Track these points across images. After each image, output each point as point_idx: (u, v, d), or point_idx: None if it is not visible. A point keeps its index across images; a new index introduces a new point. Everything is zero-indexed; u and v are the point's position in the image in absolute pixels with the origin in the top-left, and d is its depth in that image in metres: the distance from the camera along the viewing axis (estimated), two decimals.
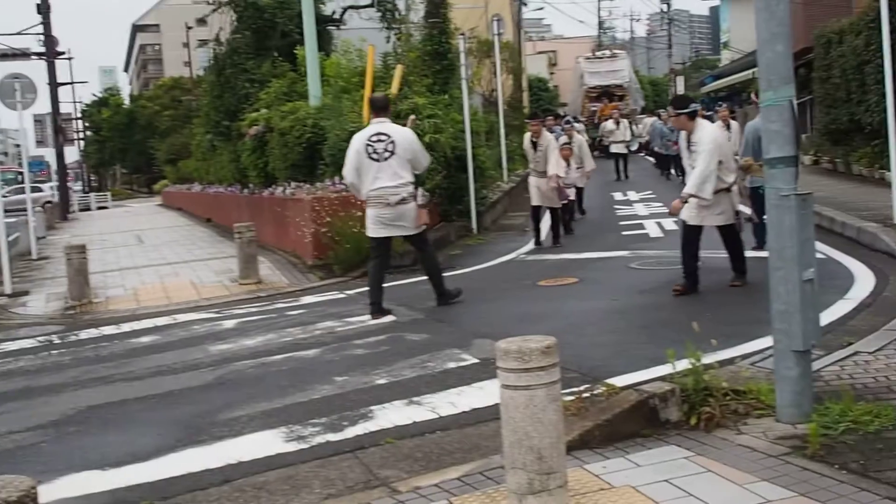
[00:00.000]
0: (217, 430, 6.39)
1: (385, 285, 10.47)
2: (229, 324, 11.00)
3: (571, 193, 17.66)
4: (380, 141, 10.03)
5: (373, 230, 10.32)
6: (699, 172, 9.69)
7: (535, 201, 15.71)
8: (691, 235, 10.19)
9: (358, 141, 10.23)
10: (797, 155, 5.35)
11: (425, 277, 11.02)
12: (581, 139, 20.49)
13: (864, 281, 10.11)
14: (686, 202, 9.98)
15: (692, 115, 10.11)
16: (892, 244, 11.64)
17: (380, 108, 10.48)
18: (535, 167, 15.64)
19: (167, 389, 7.82)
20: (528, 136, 15.94)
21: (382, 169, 10.00)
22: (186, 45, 67.19)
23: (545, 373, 4.20)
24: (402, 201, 10.07)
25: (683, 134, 10.43)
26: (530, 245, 15.63)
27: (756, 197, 12.03)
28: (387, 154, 9.98)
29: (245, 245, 14.39)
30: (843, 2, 31.88)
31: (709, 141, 9.80)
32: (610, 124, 33.92)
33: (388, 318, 10.06)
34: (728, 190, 10.16)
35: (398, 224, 10.21)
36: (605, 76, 48.98)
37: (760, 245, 12.11)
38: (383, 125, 10.21)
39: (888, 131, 13.81)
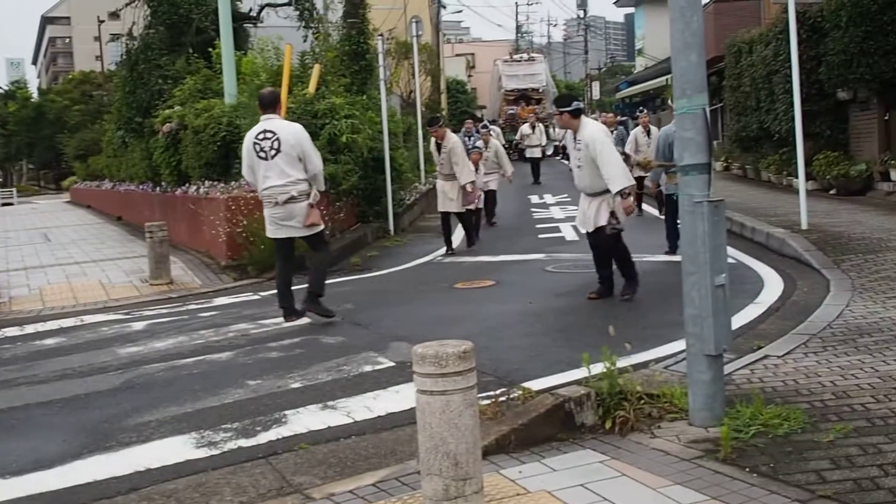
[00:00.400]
0: (125, 436, 6.24)
1: (296, 287, 10.28)
2: (139, 325, 10.77)
3: (480, 201, 17.31)
4: (266, 139, 9.65)
5: (269, 230, 10.04)
6: (618, 165, 9.54)
7: (441, 206, 15.37)
8: (613, 239, 9.92)
9: (248, 139, 9.90)
10: (710, 162, 5.42)
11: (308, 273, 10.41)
12: (497, 144, 20.07)
13: (773, 285, 10.30)
14: (630, 194, 9.77)
15: (575, 113, 9.82)
16: (799, 249, 11.86)
17: (266, 104, 9.95)
18: (441, 170, 15.34)
19: (73, 394, 7.60)
20: (432, 139, 15.65)
21: (270, 167, 9.63)
22: (98, 38, 65.89)
23: (462, 378, 4.18)
24: (291, 199, 9.65)
25: (569, 133, 10.18)
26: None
27: (670, 203, 12.18)
28: (273, 152, 9.60)
29: (156, 244, 14.16)
30: (752, 13, 32.57)
31: (602, 134, 9.66)
32: (526, 128, 34.09)
33: (303, 321, 9.95)
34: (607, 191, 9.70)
35: (288, 224, 9.79)
36: (523, 80, 49.18)
37: (673, 250, 12.28)
38: (270, 122, 9.76)
39: (795, 140, 14.11)
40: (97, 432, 6.38)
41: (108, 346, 9.51)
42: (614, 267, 10.14)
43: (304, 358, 8.26)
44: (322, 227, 10.21)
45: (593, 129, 9.71)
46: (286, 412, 6.51)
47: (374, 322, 9.79)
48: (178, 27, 21.26)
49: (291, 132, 9.75)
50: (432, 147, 15.75)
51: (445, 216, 15.47)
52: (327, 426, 6.11)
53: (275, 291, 10.40)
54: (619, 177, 9.42)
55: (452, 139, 15.28)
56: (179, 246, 17.77)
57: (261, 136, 9.67)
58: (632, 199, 9.84)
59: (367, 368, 7.66)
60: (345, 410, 6.42)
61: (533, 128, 33.61)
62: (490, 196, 19.06)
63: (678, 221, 11.37)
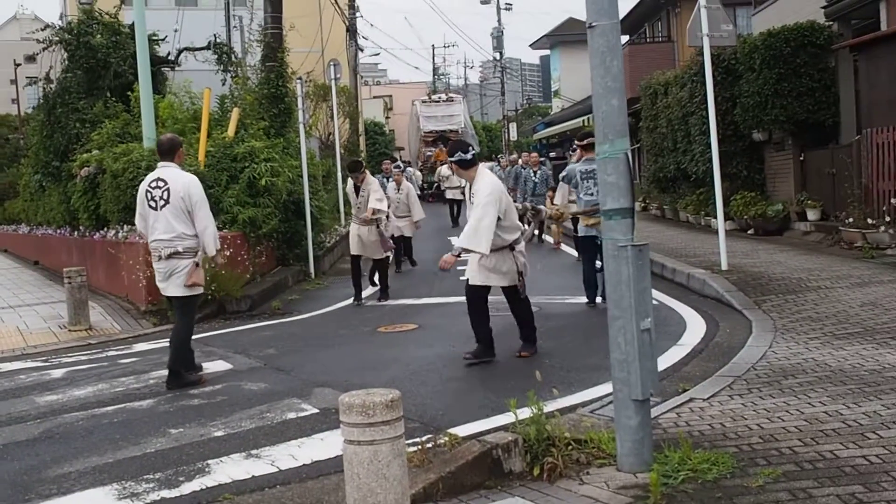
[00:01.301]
0: (44, 488, 6.05)
1: (198, 336, 9.79)
2: (58, 373, 10.50)
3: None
4: (157, 188, 9.03)
5: (159, 286, 9.45)
6: (471, 225, 8.76)
7: (354, 250, 14.73)
8: (476, 296, 9.22)
9: (142, 186, 9.26)
10: (633, 206, 5.45)
11: (168, 345, 9.43)
12: (409, 186, 19.36)
13: (695, 327, 10.38)
14: (458, 256, 8.99)
15: (463, 164, 9.14)
16: (720, 290, 12.00)
17: (164, 151, 9.31)
18: (357, 213, 14.72)
19: None
20: (350, 181, 15.15)
21: (158, 219, 9.01)
22: (14, 82, 64.96)
23: (389, 427, 4.15)
24: (176, 255, 8.99)
25: (466, 183, 9.63)
26: (368, 290, 15.50)
27: (587, 244, 12.28)
28: (162, 202, 8.97)
29: (75, 290, 13.90)
30: (666, 55, 33.29)
31: (487, 192, 8.80)
32: (445, 169, 33.97)
33: (225, 366, 9.76)
34: (511, 248, 9.09)
35: (169, 281, 9.13)
36: (441, 121, 48.81)
37: (592, 299, 12.29)
38: (164, 170, 9.14)
39: (713, 180, 14.32)
40: (16, 484, 6.19)
41: (26, 395, 9.25)
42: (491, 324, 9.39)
43: (227, 405, 8.12)
44: (200, 292, 9.55)
45: (482, 184, 8.94)
46: (209, 461, 6.37)
47: (296, 367, 9.66)
48: (96, 71, 20.99)
49: (183, 183, 9.05)
50: (349, 189, 15.34)
51: (356, 261, 14.83)
52: (251, 475, 5.99)
53: (196, 336, 10.14)
54: (469, 235, 8.75)
55: (370, 181, 14.83)
56: (98, 291, 17.46)
57: (153, 185, 9.09)
58: (450, 258, 8.98)
59: (291, 415, 7.55)
60: (269, 459, 6.31)
61: (452, 169, 33.56)
62: (407, 242, 18.86)
63: (597, 265, 11.56)
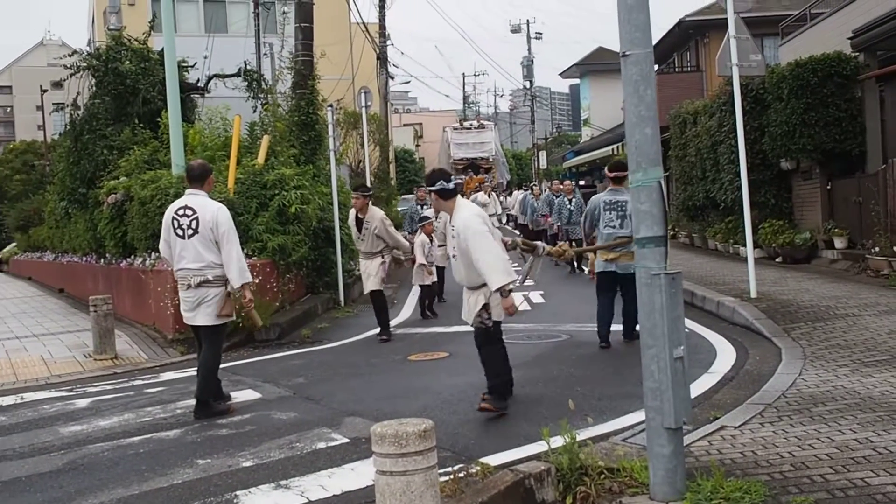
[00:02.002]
0: None
1: (226, 365, 9.67)
2: (83, 403, 10.49)
3: (434, 274, 16.14)
4: (185, 216, 8.93)
5: (184, 316, 9.31)
6: (495, 257, 7.93)
7: (369, 286, 13.78)
8: (498, 332, 8.63)
9: (168, 212, 9.15)
10: (666, 235, 5.42)
11: (196, 374, 9.36)
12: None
13: (725, 354, 10.33)
14: (511, 292, 8.12)
15: (443, 194, 8.44)
16: (750, 318, 11.93)
17: (194, 177, 9.20)
18: (362, 248, 13.92)
19: (13, 476, 7.34)
20: (352, 211, 13.93)
21: (186, 247, 8.92)
22: (41, 108, 65.63)
23: (422, 457, 4.12)
24: (206, 283, 8.90)
25: (444, 216, 9.27)
26: (399, 318, 15.48)
27: (604, 282, 11.60)
28: (190, 231, 8.88)
29: (101, 318, 13.92)
30: (694, 84, 33.25)
31: (477, 221, 8.05)
32: (482, 196, 33.43)
33: (253, 395, 9.74)
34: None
35: (197, 310, 9.01)
36: (472, 148, 48.68)
37: (606, 336, 11.42)
38: (193, 198, 9.04)
39: (743, 209, 14.26)
40: None
41: (50, 426, 9.23)
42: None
43: (256, 435, 8.09)
44: (229, 321, 9.48)
45: (467, 215, 8.16)
46: (237, 492, 6.35)
47: (326, 396, 9.63)
48: (125, 97, 21.11)
49: (211, 212, 8.93)
50: (351, 220, 14.14)
51: (375, 296, 13.85)
52: None
53: (224, 365, 10.12)
54: (497, 271, 7.84)
55: (377, 216, 13.71)
56: (124, 319, 17.51)
57: (181, 213, 8.97)
58: (513, 298, 8.13)
59: (321, 445, 7.52)
60: (298, 490, 6.27)
61: (489, 196, 33.40)
62: (439, 273, 16.96)
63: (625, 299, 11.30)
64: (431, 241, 15.93)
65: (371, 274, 13.72)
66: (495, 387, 8.33)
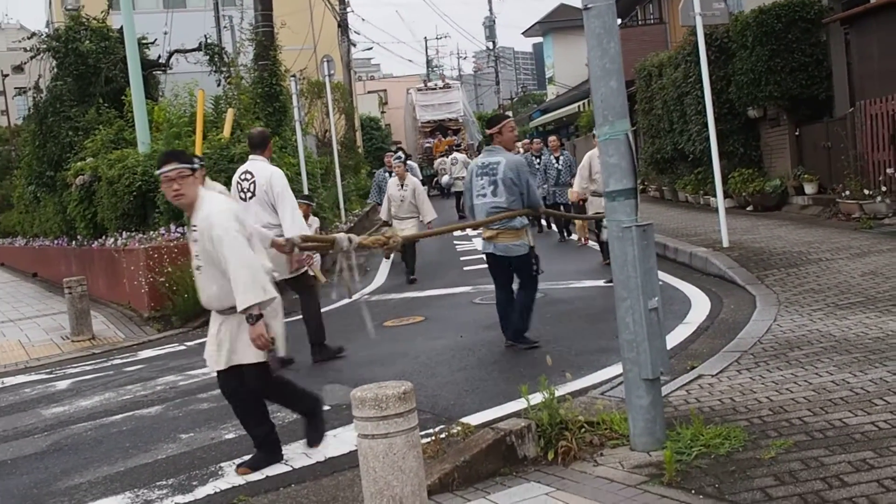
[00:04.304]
0: (56, 501, 6.06)
1: (201, 340, 9.76)
2: (63, 384, 10.51)
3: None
4: (245, 180, 9.52)
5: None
6: (249, 266, 5.83)
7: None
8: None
9: (234, 178, 9.78)
10: (636, 187, 5.44)
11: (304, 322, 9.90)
12: (415, 181, 16.46)
13: (700, 305, 10.39)
14: (261, 316, 5.82)
15: (186, 171, 5.99)
16: (723, 267, 12.00)
17: (255, 144, 9.80)
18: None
19: None
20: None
21: (248, 209, 9.19)
22: (3, 93, 64.87)
23: (403, 419, 4.13)
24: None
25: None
26: (373, 285, 15.48)
27: (493, 266, 9.61)
28: (249, 195, 9.41)
29: (76, 300, 13.89)
30: (658, 36, 33.18)
31: (227, 217, 5.93)
32: (462, 157, 32.13)
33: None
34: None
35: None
36: (438, 109, 47.37)
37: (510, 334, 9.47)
38: (252, 163, 9.63)
39: (711, 159, 14.30)
40: (26, 498, 6.19)
41: (32, 408, 9.26)
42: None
43: None
44: (306, 269, 10.06)
45: (215, 210, 5.97)
46: (222, 464, 6.38)
47: (305, 365, 9.64)
48: (87, 78, 20.93)
49: (266, 177, 9.44)
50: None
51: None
52: (265, 476, 5.99)
53: (201, 341, 10.07)
54: (246, 286, 5.77)
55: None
56: (99, 300, 17.44)
57: (242, 177, 9.60)
58: (263, 326, 5.82)
59: None
60: (282, 458, 6.29)
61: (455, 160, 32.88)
62: (412, 247, 15.84)
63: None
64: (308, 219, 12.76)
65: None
66: (258, 439, 6.38)
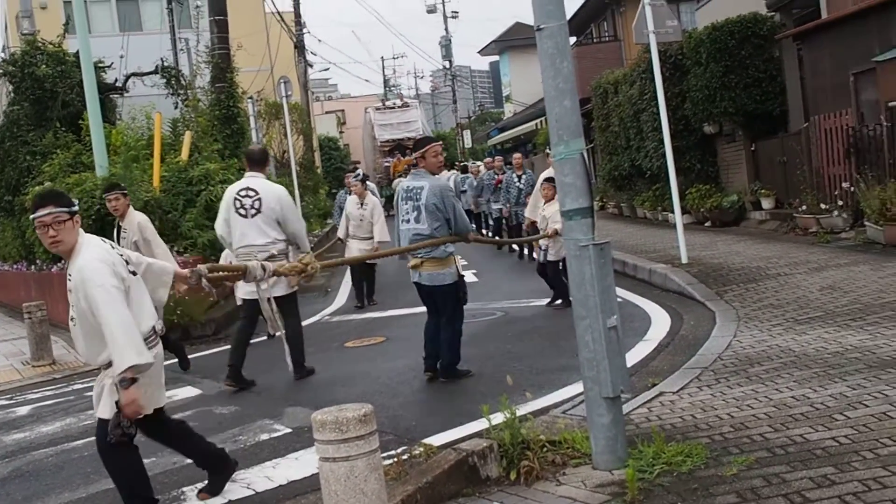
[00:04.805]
0: None
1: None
2: (24, 410, 10.39)
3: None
4: (247, 196, 9.48)
5: (241, 290, 9.94)
6: (123, 325, 5.20)
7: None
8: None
9: (228, 194, 9.75)
10: (592, 206, 5.49)
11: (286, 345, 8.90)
12: (375, 201, 15.72)
13: (660, 321, 10.47)
14: (134, 381, 5.15)
15: (62, 216, 5.44)
16: (682, 284, 12.09)
17: (255, 161, 9.87)
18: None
19: None
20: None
21: (249, 226, 9.43)
22: None
23: (364, 441, 4.14)
24: (272, 258, 8.96)
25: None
26: (334, 306, 15.44)
27: (423, 298, 9.20)
28: (253, 211, 9.42)
29: (36, 325, 13.75)
30: (613, 54, 33.47)
31: (98, 270, 5.34)
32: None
33: (195, 392, 9.71)
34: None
35: (276, 284, 9.21)
36: (397, 128, 47.12)
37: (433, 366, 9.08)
38: (253, 180, 9.62)
39: (668, 175, 14.42)
40: None
41: None
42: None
43: (199, 430, 7.99)
44: (296, 290, 10.00)
45: (90, 259, 5.43)
46: (184, 489, 6.35)
47: (266, 388, 9.61)
48: (44, 102, 20.78)
49: (275, 196, 9.57)
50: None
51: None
52: (227, 500, 5.97)
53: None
54: (120, 346, 5.13)
55: (135, 221, 10.79)
56: (60, 324, 17.24)
57: (242, 193, 9.53)
58: (135, 392, 5.17)
59: (264, 437, 7.52)
60: (245, 482, 6.28)
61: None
62: (370, 274, 15.63)
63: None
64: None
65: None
66: (202, 464, 6.26)
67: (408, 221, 8.68)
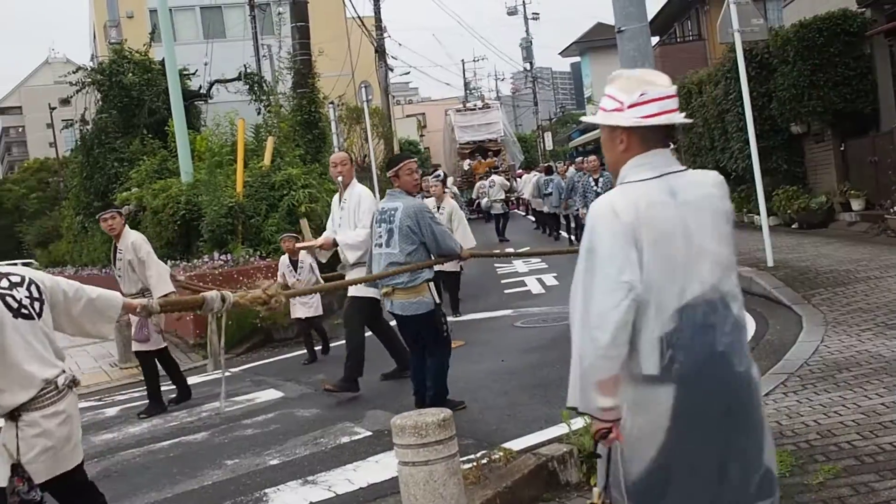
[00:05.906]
0: None
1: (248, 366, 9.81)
2: (112, 411, 10.61)
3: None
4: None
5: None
6: None
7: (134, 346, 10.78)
8: None
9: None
10: None
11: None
12: (454, 204, 14.63)
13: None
14: None
15: None
16: (768, 287, 11.86)
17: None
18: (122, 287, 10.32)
19: None
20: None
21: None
22: (51, 125, 65.86)
23: (443, 446, 4.12)
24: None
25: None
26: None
27: (402, 329, 8.80)
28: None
29: (123, 328, 13.94)
30: (697, 53, 33.06)
31: None
32: (500, 179, 31.99)
33: (276, 394, 9.79)
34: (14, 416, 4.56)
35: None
36: (478, 130, 45.91)
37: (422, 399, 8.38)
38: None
39: (754, 176, 14.17)
40: None
41: (82, 435, 9.30)
42: None
43: (281, 433, 8.13)
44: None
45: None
46: (266, 490, 6.39)
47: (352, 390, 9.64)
48: (131, 109, 21.23)
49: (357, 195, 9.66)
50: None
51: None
52: (309, 502, 5.99)
53: (245, 367, 10.24)
54: None
55: (129, 239, 10.32)
56: None
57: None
58: None
59: (345, 439, 7.56)
60: (325, 484, 6.31)
61: (507, 180, 32.23)
62: (453, 281, 14.21)
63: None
64: (296, 267, 12.68)
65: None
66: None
67: (380, 245, 7.97)
